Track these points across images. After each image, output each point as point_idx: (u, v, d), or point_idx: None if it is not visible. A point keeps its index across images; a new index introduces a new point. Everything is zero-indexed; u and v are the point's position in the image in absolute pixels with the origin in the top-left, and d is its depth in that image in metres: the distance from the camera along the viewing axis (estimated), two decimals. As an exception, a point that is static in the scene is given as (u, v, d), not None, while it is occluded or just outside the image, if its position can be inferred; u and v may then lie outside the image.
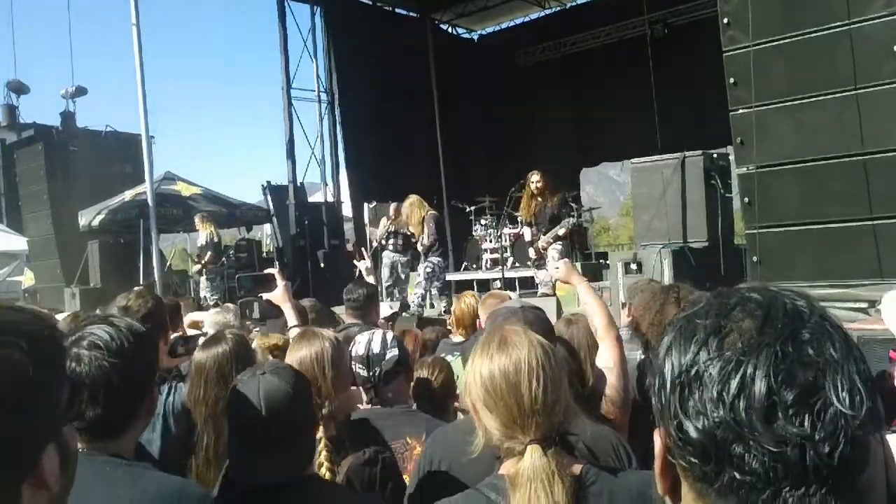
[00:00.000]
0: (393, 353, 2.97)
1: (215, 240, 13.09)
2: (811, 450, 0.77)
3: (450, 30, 20.71)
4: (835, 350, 0.81)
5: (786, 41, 6.20)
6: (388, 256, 11.67)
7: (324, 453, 2.42)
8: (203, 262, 13.05)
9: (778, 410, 0.78)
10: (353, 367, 2.93)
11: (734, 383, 0.80)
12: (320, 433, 2.45)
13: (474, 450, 1.85)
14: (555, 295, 9.24)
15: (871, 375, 0.82)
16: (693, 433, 0.82)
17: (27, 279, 16.30)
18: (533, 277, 11.01)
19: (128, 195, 15.02)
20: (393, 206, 12.35)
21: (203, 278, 13.21)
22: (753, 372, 0.79)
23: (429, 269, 10.48)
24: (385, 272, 11.51)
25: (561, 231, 9.95)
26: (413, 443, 2.82)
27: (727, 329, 0.84)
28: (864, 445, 0.79)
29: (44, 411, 0.91)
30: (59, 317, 4.01)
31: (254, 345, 3.28)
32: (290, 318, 3.67)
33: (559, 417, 1.77)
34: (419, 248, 10.82)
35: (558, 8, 19.55)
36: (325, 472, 2.40)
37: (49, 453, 0.91)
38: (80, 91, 15.95)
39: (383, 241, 11.82)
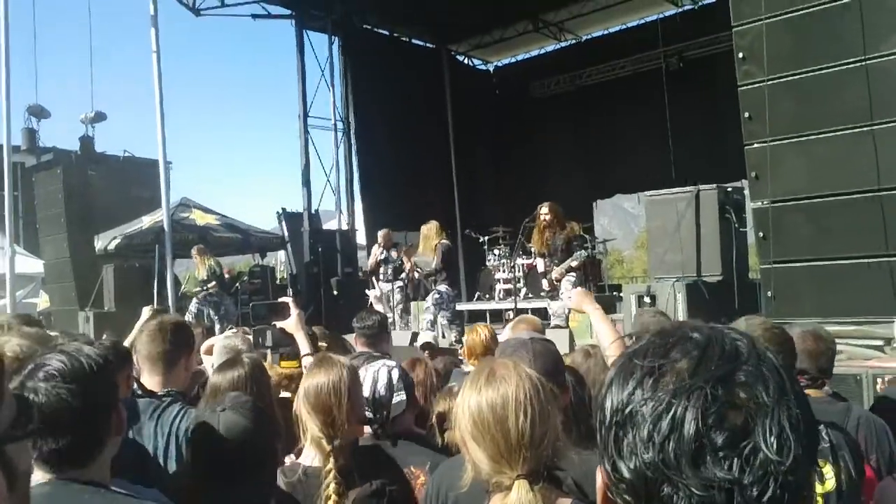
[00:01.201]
0: (400, 397, 2.94)
1: (217, 272, 13.01)
2: (738, 495, 0.76)
3: (466, 61, 20.87)
4: (767, 394, 0.80)
5: (801, 76, 6.21)
6: (380, 287, 11.80)
7: (332, 485, 2.41)
8: (207, 287, 12.91)
9: (707, 453, 0.77)
10: None
11: (664, 424, 0.79)
12: (330, 465, 2.44)
13: (464, 484, 1.84)
14: (567, 327, 9.21)
15: (805, 419, 0.81)
16: (625, 472, 0.82)
17: (42, 301, 16.40)
18: (546, 308, 10.96)
19: (146, 221, 15.13)
20: (381, 233, 12.40)
21: (194, 301, 12.96)
22: (683, 413, 0.79)
23: (436, 297, 10.50)
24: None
25: (574, 263, 9.93)
26: (417, 472, 2.81)
27: (663, 370, 0.84)
28: (796, 490, 0.78)
29: None
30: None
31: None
32: (303, 346, 3.67)
33: (547, 451, 1.76)
34: (415, 274, 10.95)
35: (574, 41, 19.68)
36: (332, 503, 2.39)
37: None
38: (100, 116, 16.13)
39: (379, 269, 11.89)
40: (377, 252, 12.10)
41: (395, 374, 3.02)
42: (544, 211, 10.14)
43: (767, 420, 0.78)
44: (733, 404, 0.79)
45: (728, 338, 0.86)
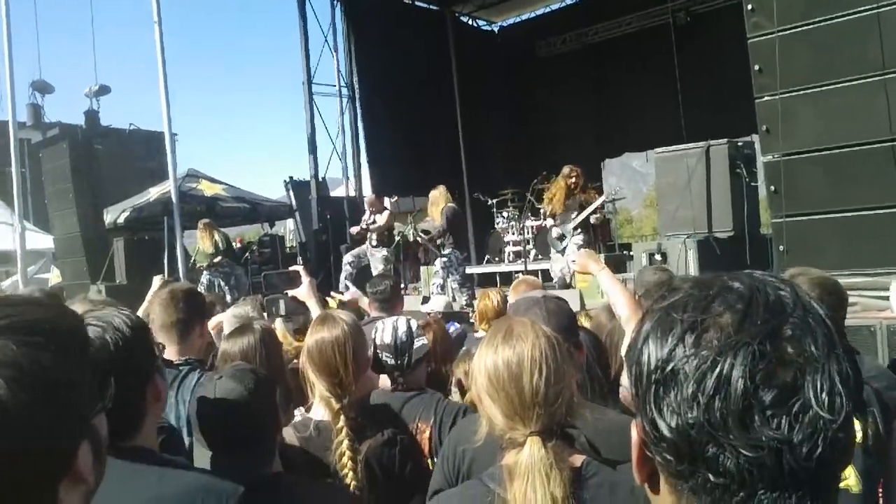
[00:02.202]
0: (422, 341, 3.00)
1: (221, 247, 12.98)
2: (788, 453, 0.74)
3: (470, 22, 20.62)
4: (816, 347, 0.78)
5: (811, 27, 6.10)
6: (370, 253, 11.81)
7: (345, 442, 2.43)
8: (216, 260, 12.87)
9: (755, 412, 0.75)
10: (380, 354, 2.93)
11: (710, 383, 0.77)
12: (340, 422, 2.45)
13: (478, 438, 1.86)
14: (571, 286, 9.22)
15: (853, 373, 0.79)
16: (666, 431, 0.80)
17: (54, 277, 16.47)
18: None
19: (153, 193, 15.12)
20: (368, 197, 12.33)
21: (205, 273, 12.87)
22: (730, 371, 0.76)
23: (445, 260, 10.53)
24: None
25: (591, 210, 9.94)
26: (423, 426, 2.86)
27: (705, 324, 0.81)
28: (844, 447, 0.77)
29: (76, 410, 0.88)
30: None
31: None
32: (316, 314, 3.67)
33: (561, 410, 1.76)
34: (419, 237, 11.02)
35: (579, -2, 19.42)
36: (346, 460, 2.41)
37: (83, 450, 0.89)
38: (104, 90, 16.09)
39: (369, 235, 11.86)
40: (366, 218, 12.06)
41: (414, 323, 3.10)
42: (574, 175, 10.16)
43: (818, 375, 0.76)
44: (782, 360, 0.76)
45: (771, 287, 0.83)
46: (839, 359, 0.78)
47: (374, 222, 11.78)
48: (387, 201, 14.60)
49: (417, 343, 2.97)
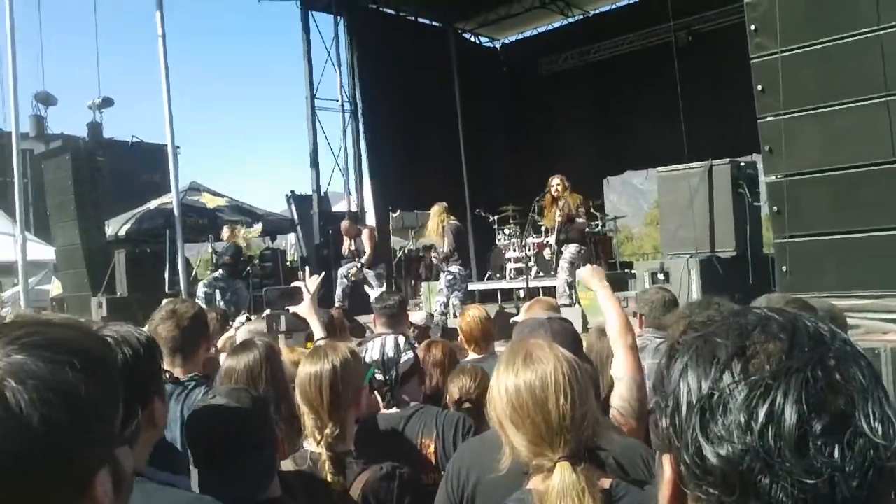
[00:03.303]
0: (408, 355, 3.06)
1: (235, 249, 13.03)
2: (842, 481, 0.74)
3: (473, 39, 20.73)
4: (863, 376, 0.78)
5: (814, 47, 6.12)
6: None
7: (328, 475, 2.43)
8: (221, 262, 12.90)
9: (809, 440, 0.74)
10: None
11: (763, 410, 0.76)
12: (324, 456, 2.43)
13: (502, 466, 1.82)
14: (572, 304, 9.20)
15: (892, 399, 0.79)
16: (715, 460, 0.78)
17: (55, 288, 16.46)
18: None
19: (153, 204, 15.13)
20: (343, 225, 12.21)
21: (202, 284, 12.86)
22: (784, 398, 0.76)
23: (449, 278, 10.50)
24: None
25: (557, 215, 9.91)
26: (427, 441, 2.89)
27: (751, 351, 0.80)
28: (892, 474, 0.76)
29: (97, 433, 0.88)
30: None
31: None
32: (317, 330, 3.67)
33: (588, 432, 1.75)
34: (433, 258, 10.96)
35: (581, 16, 19.50)
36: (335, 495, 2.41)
37: (102, 476, 0.88)
38: (107, 102, 16.10)
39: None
40: (348, 245, 11.97)
41: (402, 339, 3.16)
42: (555, 182, 10.17)
43: (868, 403, 0.76)
44: (833, 387, 0.76)
45: (808, 320, 0.83)
46: (883, 387, 0.79)
47: (355, 250, 11.71)
48: (367, 224, 14.48)
49: (404, 357, 3.02)
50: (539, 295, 11.84)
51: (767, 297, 3.07)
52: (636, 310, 4.62)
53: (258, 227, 14.60)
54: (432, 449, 2.86)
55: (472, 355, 4.51)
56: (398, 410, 3.00)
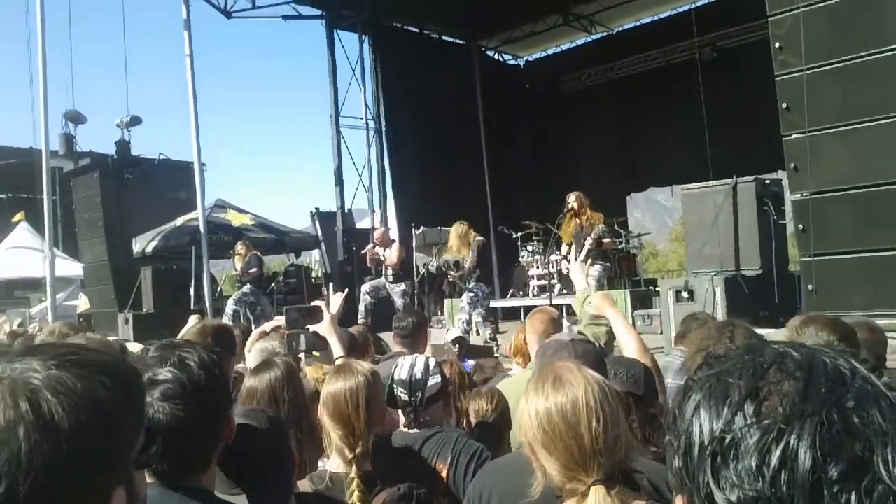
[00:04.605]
0: (435, 379, 3.00)
1: (258, 260, 13.05)
2: None
3: (496, 56, 20.80)
4: (882, 418, 0.74)
5: (839, 65, 6.07)
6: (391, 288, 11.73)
7: (356, 493, 2.43)
8: (242, 276, 12.93)
9: (824, 487, 0.71)
10: (395, 390, 2.95)
11: (776, 455, 0.73)
12: (352, 473, 2.45)
13: (533, 493, 1.79)
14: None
15: None
16: None
17: (82, 304, 16.65)
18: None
19: (179, 221, 15.28)
20: (377, 230, 12.25)
21: (231, 301, 12.85)
22: (797, 442, 0.73)
23: (472, 295, 10.50)
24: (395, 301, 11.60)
25: (588, 242, 9.82)
26: (441, 466, 2.86)
27: (765, 392, 0.77)
28: None
29: (119, 451, 0.91)
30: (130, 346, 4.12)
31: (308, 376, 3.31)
32: (336, 349, 3.68)
33: (620, 455, 1.73)
34: (450, 275, 10.94)
35: (605, 33, 19.52)
36: None
37: (119, 494, 0.90)
38: (135, 120, 16.30)
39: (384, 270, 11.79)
40: (370, 247, 11.97)
41: (432, 361, 3.10)
42: (571, 199, 10.16)
43: (887, 448, 0.72)
44: (849, 431, 0.73)
45: (827, 356, 0.80)
46: None
47: (380, 255, 11.75)
48: (395, 237, 14.56)
49: (431, 381, 2.97)
50: (563, 312, 11.81)
51: (804, 316, 3.02)
52: (679, 331, 4.60)
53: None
54: (444, 474, 2.84)
55: (517, 369, 4.71)
56: (417, 431, 2.98)
